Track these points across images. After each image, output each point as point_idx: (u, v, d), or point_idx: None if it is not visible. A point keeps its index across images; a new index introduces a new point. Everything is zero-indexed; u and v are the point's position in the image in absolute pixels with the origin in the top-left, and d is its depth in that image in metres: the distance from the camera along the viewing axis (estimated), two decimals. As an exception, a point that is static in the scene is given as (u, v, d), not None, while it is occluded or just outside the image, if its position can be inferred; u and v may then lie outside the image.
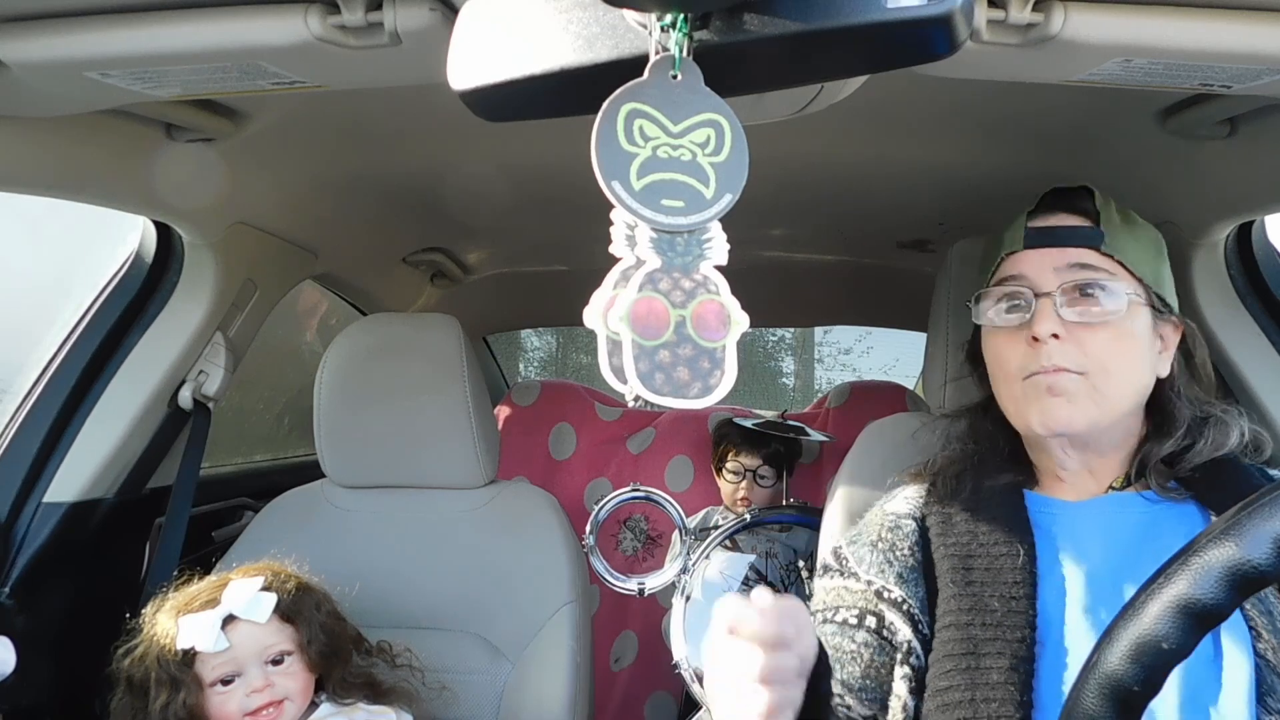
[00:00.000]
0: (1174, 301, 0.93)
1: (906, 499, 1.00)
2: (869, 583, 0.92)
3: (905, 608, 0.89)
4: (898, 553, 0.94)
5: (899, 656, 0.88)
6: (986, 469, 0.96)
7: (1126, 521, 0.87)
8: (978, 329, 0.98)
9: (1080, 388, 0.86)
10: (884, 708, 0.88)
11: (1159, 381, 0.91)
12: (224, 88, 0.83)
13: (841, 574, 0.96)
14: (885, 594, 0.91)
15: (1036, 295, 0.88)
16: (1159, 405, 0.91)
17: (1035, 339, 0.86)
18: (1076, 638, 0.82)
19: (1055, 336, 0.86)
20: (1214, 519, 0.81)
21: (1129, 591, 0.78)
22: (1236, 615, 0.77)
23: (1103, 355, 0.86)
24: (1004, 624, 0.82)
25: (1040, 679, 0.80)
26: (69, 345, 1.35)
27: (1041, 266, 0.89)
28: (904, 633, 0.88)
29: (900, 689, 0.87)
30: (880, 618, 0.90)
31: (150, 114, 1.05)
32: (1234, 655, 0.76)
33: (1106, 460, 0.91)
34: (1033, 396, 0.88)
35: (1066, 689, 0.77)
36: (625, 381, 0.51)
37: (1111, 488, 0.90)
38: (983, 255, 1.01)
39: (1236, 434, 0.88)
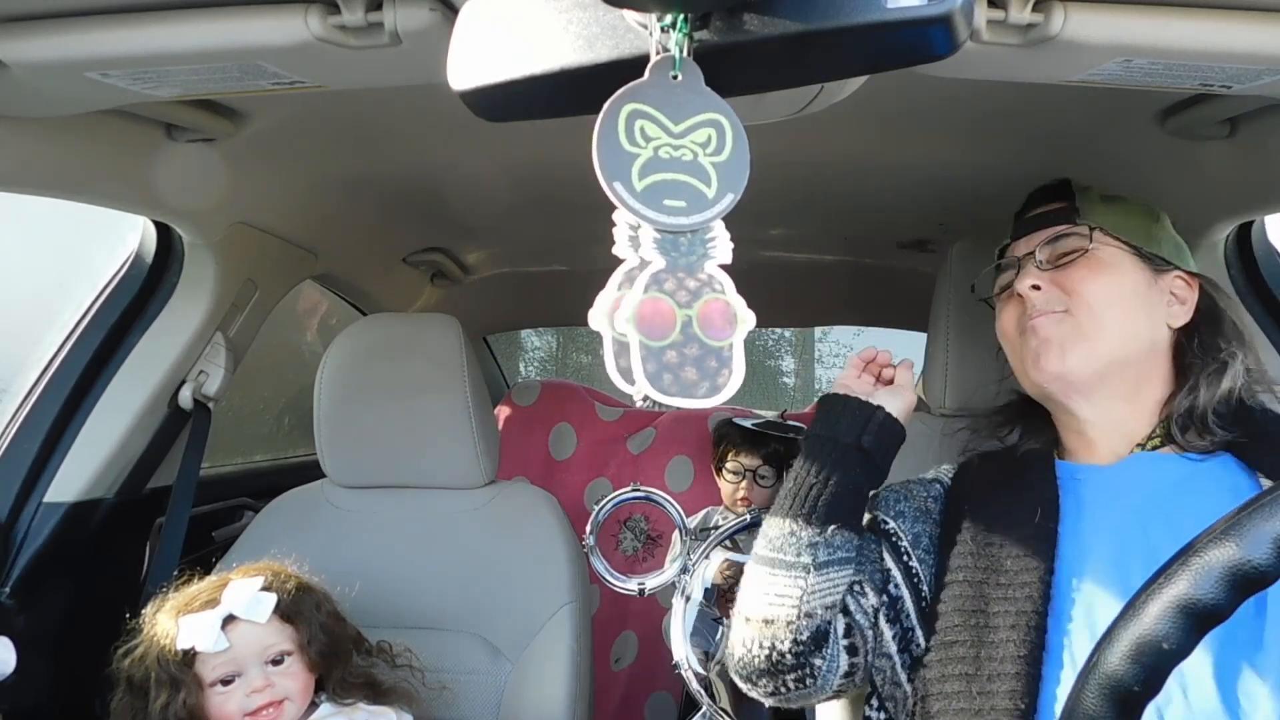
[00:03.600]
0: (1183, 262, 0.97)
1: (937, 470, 1.05)
2: (873, 516, 0.99)
3: (894, 540, 0.95)
4: (910, 494, 0.99)
5: (881, 575, 0.93)
6: (1017, 441, 1.01)
7: (1160, 478, 0.88)
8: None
9: (1064, 328, 0.91)
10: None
11: (1176, 334, 0.94)
12: (224, 88, 0.82)
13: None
14: (881, 524, 0.97)
15: (1019, 259, 0.97)
16: (1177, 357, 0.93)
17: (1020, 296, 0.94)
18: (1098, 593, 0.82)
19: (1036, 288, 0.93)
20: (1243, 465, 0.84)
21: (1160, 542, 0.80)
22: None
23: (1082, 290, 0.91)
24: (1014, 583, 0.83)
25: (1053, 635, 0.80)
26: (69, 345, 1.35)
27: (1027, 246, 0.98)
28: (888, 560, 0.94)
29: (873, 598, 0.91)
30: (877, 540, 0.96)
31: (150, 114, 1.05)
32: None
33: (1131, 412, 0.92)
34: (1027, 350, 0.94)
35: (1079, 650, 0.78)
36: (633, 383, 0.51)
37: (1139, 446, 0.91)
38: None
39: (1230, 378, 0.89)
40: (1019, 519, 0.88)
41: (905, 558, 0.93)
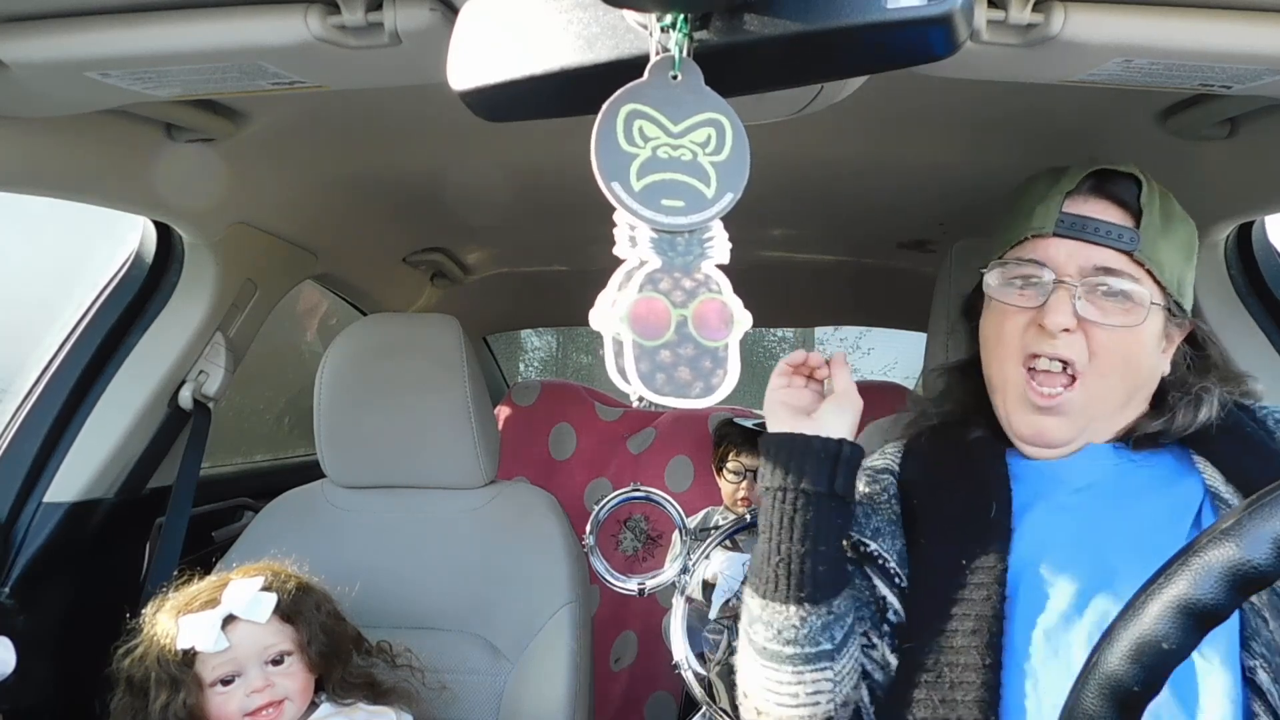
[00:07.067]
0: (1189, 303, 0.91)
1: (884, 454, 0.99)
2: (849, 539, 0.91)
3: (880, 562, 0.89)
4: (876, 504, 0.93)
5: (877, 609, 0.88)
6: (962, 423, 0.95)
7: (1109, 468, 0.87)
8: (978, 285, 0.95)
9: (1072, 405, 0.85)
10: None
11: (1162, 377, 0.90)
12: (224, 88, 0.83)
13: None
14: (861, 547, 0.90)
15: (1056, 282, 0.85)
16: (1159, 395, 0.90)
17: (1043, 326, 0.84)
18: (1050, 593, 0.80)
19: (1066, 330, 0.83)
20: (1194, 456, 0.84)
21: (1109, 536, 0.80)
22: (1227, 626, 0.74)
23: (1105, 357, 0.84)
24: (971, 582, 0.81)
25: (1010, 636, 0.79)
26: (69, 345, 1.35)
27: (1068, 259, 0.85)
28: (880, 588, 0.88)
29: (881, 644, 0.87)
30: (859, 565, 0.90)
31: (150, 114, 1.05)
32: (1216, 670, 0.73)
33: (1094, 436, 0.89)
34: (1022, 405, 0.87)
35: (1036, 647, 0.78)
36: (629, 382, 0.51)
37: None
38: (1006, 220, 0.95)
39: (1205, 410, 0.85)
40: (973, 514, 0.85)
41: (897, 579, 0.88)
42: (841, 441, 0.84)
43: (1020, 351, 0.87)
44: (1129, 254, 0.84)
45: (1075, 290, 0.83)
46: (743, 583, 1.60)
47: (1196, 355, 0.92)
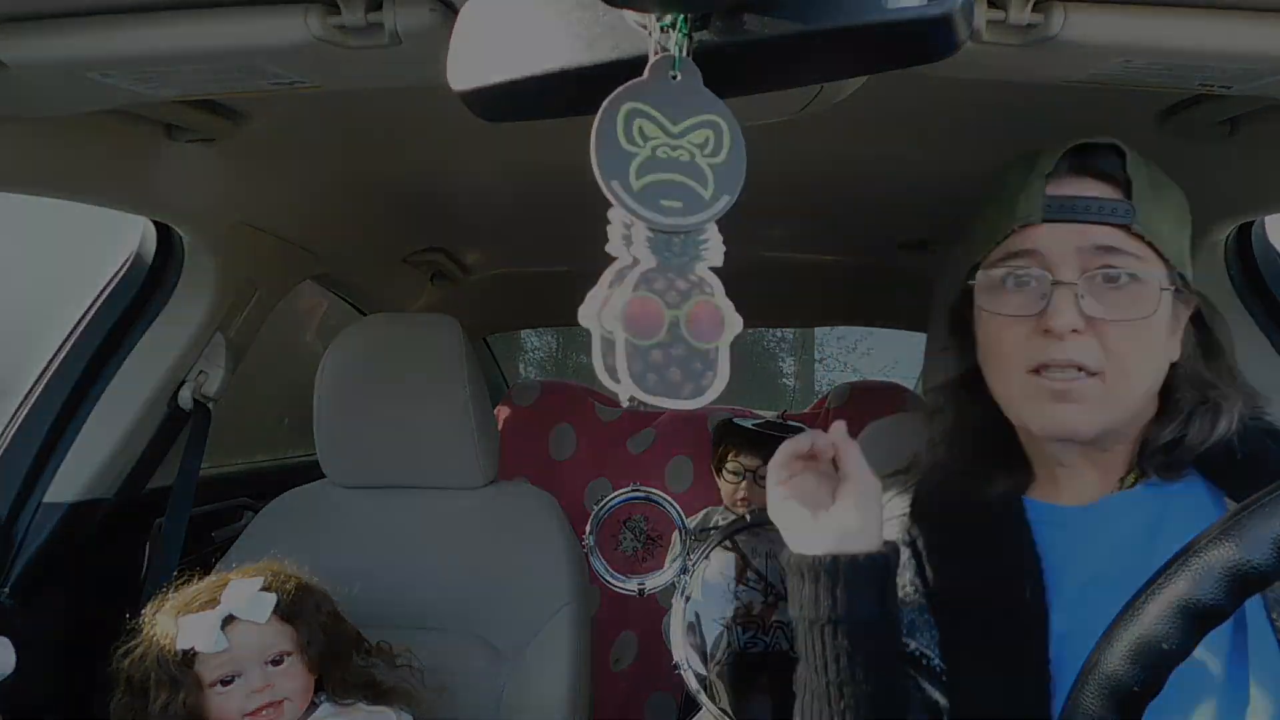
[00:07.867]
0: (1190, 275, 0.82)
1: (899, 526, 0.89)
2: None
3: (924, 662, 0.80)
4: (908, 596, 0.84)
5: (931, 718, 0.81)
6: (975, 474, 0.87)
7: (1136, 521, 0.79)
8: (964, 291, 0.87)
9: (1094, 392, 0.76)
10: None
11: (1170, 365, 0.82)
12: (224, 88, 0.83)
13: None
14: (904, 649, 0.81)
15: (1055, 283, 0.76)
16: (1167, 389, 0.82)
17: (1049, 331, 0.75)
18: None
19: (1075, 332, 0.75)
20: (1227, 500, 0.76)
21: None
22: (1264, 626, 0.69)
23: (1123, 354, 0.76)
24: (1012, 677, 0.75)
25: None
26: (69, 345, 1.35)
27: (1062, 246, 0.77)
28: (930, 692, 0.79)
29: None
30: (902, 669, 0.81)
31: (150, 114, 1.05)
32: (1266, 672, 0.68)
33: (1111, 454, 0.82)
34: (1035, 397, 0.78)
35: None
36: (619, 380, 0.51)
37: (1122, 482, 0.82)
38: (983, 217, 0.86)
39: (1225, 422, 0.78)
40: (1006, 601, 0.77)
41: (943, 675, 0.79)
42: (890, 552, 0.75)
43: (1025, 363, 0.78)
44: (1126, 228, 0.77)
45: (1077, 288, 0.75)
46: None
47: (1202, 336, 0.84)
